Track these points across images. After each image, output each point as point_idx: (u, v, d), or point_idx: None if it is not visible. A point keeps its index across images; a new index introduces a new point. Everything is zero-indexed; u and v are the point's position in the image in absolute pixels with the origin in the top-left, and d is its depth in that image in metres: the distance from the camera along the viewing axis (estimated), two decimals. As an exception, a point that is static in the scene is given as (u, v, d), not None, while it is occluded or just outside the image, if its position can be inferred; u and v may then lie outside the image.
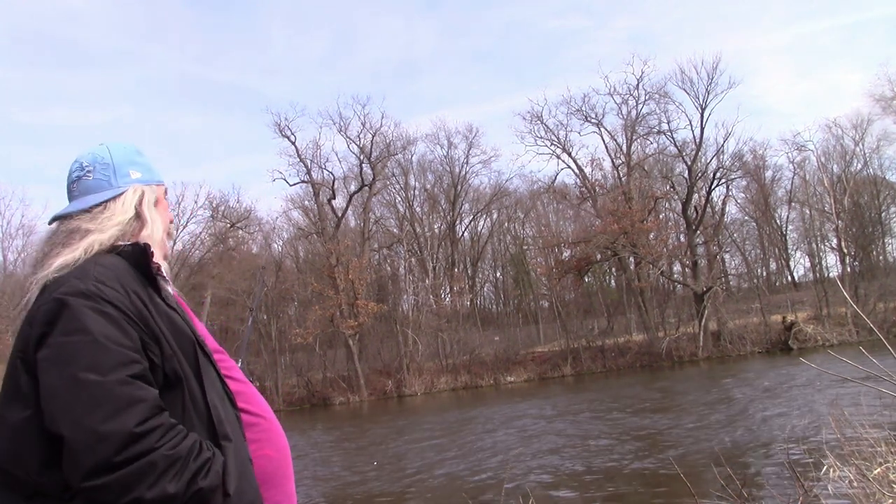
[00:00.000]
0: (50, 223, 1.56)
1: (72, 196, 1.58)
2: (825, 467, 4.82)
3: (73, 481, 1.22)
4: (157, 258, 1.54)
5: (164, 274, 1.55)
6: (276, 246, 42.79)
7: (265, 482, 1.50)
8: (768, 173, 40.11)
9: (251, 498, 1.41)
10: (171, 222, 1.76)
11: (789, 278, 44.64)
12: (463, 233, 44.23)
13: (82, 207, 1.53)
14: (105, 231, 1.49)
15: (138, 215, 1.58)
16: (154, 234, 1.59)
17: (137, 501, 1.21)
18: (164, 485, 1.23)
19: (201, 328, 1.62)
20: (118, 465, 1.21)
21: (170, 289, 1.55)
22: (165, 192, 1.72)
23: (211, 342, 1.61)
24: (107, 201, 1.56)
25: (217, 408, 1.42)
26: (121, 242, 1.51)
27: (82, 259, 1.43)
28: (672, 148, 36.33)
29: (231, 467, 1.36)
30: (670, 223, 38.80)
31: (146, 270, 1.47)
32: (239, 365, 2.03)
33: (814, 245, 41.97)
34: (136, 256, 1.47)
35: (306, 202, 39.76)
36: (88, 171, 1.58)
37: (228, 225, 39.53)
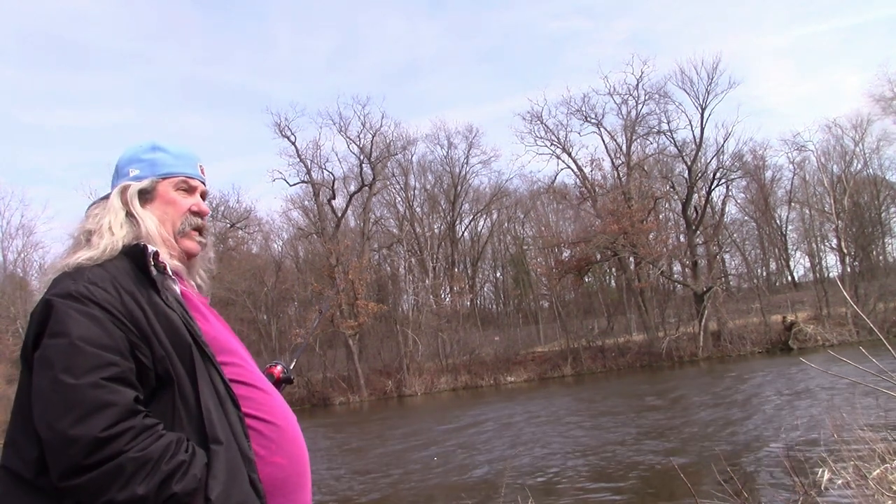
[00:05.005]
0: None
1: None
2: (824, 468, 4.82)
3: (54, 481, 1.26)
4: (164, 256, 1.52)
5: (171, 272, 1.52)
6: (275, 246, 42.85)
7: (273, 491, 1.45)
8: (768, 173, 40.09)
9: (239, 502, 1.35)
10: (195, 213, 1.66)
11: (789, 278, 44.65)
12: (463, 233, 44.26)
13: (89, 213, 1.59)
14: (103, 235, 1.51)
15: (129, 213, 1.56)
16: (149, 231, 1.55)
17: (111, 503, 1.23)
18: (134, 487, 1.23)
19: (215, 327, 1.57)
20: (87, 468, 1.22)
21: (177, 288, 1.52)
22: (182, 183, 1.66)
23: (225, 342, 1.56)
24: (102, 200, 1.61)
25: (210, 410, 1.38)
26: (134, 242, 1.52)
27: (104, 258, 1.46)
28: (672, 148, 36.34)
29: (218, 471, 1.33)
30: (670, 223, 38.80)
31: (145, 271, 1.46)
32: (282, 365, 2.05)
33: (814, 245, 41.96)
34: (136, 257, 1.47)
35: (306, 202, 39.78)
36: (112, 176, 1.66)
37: (228, 225, 39.55)
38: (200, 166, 1.74)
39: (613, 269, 40.11)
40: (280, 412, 1.57)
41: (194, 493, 1.28)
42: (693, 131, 34.96)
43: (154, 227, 1.56)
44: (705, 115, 34.13)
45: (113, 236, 1.50)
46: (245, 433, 1.44)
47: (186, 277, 1.64)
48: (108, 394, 1.27)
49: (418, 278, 39.46)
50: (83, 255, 1.44)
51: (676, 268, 38.12)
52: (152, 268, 1.46)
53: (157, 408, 1.36)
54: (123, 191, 1.59)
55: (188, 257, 1.66)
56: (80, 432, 1.22)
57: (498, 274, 49.19)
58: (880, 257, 38.99)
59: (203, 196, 1.73)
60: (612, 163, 37.53)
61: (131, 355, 1.34)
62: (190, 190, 1.68)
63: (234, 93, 71.66)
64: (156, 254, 1.48)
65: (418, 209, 42.18)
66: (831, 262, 40.87)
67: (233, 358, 1.55)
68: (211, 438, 1.36)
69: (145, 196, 1.61)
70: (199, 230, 1.68)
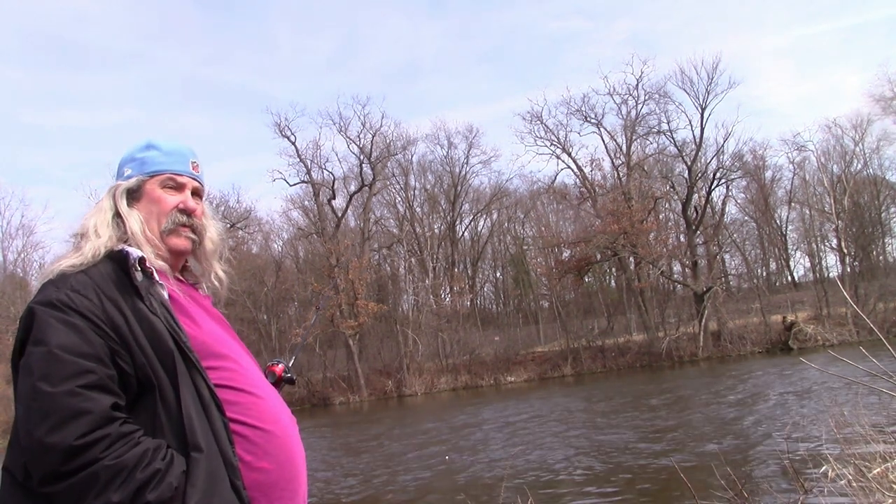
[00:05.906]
0: None
1: None
2: (825, 467, 4.81)
3: (35, 486, 1.28)
4: (150, 257, 1.50)
5: (157, 275, 1.49)
6: (276, 246, 42.85)
7: (261, 496, 1.44)
8: (768, 173, 40.14)
9: None
10: (181, 211, 1.62)
11: (789, 278, 44.68)
12: (463, 233, 44.29)
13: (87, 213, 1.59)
14: (89, 238, 1.51)
15: (116, 213, 1.56)
16: (133, 231, 1.53)
17: None
18: (109, 495, 1.24)
19: (204, 330, 1.53)
20: (64, 476, 1.24)
21: (164, 292, 1.49)
22: (169, 181, 1.62)
23: (216, 345, 1.53)
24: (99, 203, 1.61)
25: (191, 417, 1.37)
26: (121, 246, 1.50)
27: (88, 264, 1.45)
28: (672, 148, 36.38)
29: (197, 479, 1.32)
30: (670, 223, 38.81)
31: (129, 277, 1.45)
32: (283, 364, 2.02)
33: (814, 245, 41.98)
34: (121, 262, 1.47)
35: (306, 202, 39.83)
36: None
37: (228, 225, 39.51)
38: (193, 162, 1.69)
39: (613, 269, 40.12)
40: (271, 416, 1.53)
41: (170, 501, 1.28)
42: (693, 131, 35.06)
43: (138, 226, 1.54)
44: (705, 115, 34.22)
45: (99, 239, 1.49)
46: (230, 439, 1.42)
47: (171, 276, 1.59)
48: (83, 402, 1.27)
49: (418, 278, 39.46)
50: (67, 262, 1.45)
51: (676, 268, 38.14)
52: (137, 274, 1.45)
53: (140, 414, 1.36)
54: (113, 191, 1.59)
55: (178, 254, 1.64)
56: (56, 440, 1.24)
57: (498, 274, 49.27)
58: (880, 257, 39.03)
59: (197, 193, 1.69)
60: (612, 163, 37.55)
61: (112, 362, 1.34)
62: (178, 187, 1.64)
63: (234, 93, 71.84)
64: (142, 259, 1.47)
65: (418, 209, 42.21)
66: (831, 262, 40.94)
67: (222, 362, 1.52)
68: (191, 446, 1.35)
69: (133, 195, 1.60)
70: (191, 229, 1.64)
